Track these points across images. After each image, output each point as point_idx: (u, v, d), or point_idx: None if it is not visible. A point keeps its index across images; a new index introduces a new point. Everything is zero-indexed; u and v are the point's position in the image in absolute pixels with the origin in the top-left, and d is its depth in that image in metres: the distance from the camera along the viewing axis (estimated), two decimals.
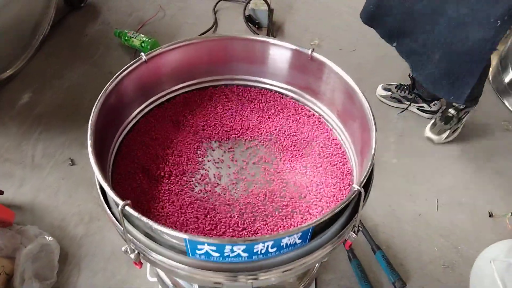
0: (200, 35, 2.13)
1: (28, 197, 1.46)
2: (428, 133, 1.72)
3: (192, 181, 0.83)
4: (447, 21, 1.30)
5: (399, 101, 1.84)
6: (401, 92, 1.82)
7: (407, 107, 1.80)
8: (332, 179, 0.84)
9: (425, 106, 1.81)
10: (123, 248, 0.69)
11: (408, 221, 1.49)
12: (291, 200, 0.81)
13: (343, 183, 0.83)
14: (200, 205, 0.78)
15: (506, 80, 2.01)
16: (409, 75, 1.81)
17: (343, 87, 0.86)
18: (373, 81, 1.96)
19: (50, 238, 1.29)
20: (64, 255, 1.33)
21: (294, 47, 0.90)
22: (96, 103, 0.75)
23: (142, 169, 0.83)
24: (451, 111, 1.68)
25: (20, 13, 1.82)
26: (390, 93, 1.85)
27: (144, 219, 0.60)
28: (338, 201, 0.79)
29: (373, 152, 0.70)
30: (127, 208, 0.61)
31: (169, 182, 0.82)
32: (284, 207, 0.79)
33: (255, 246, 0.62)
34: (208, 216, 0.76)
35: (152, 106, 0.93)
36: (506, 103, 1.94)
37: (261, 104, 0.97)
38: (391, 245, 1.42)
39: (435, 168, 1.65)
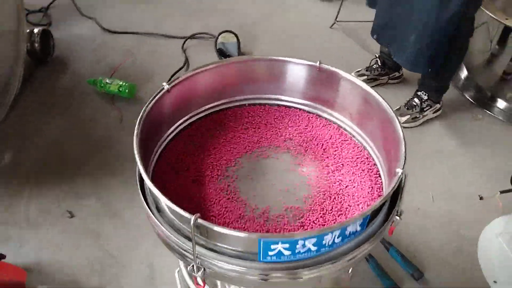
0: (174, 74, 2.18)
1: (31, 257, 1.39)
2: None
3: (231, 188, 0.85)
4: (422, 4, 1.58)
5: (375, 80, 2.12)
6: (374, 71, 2.11)
7: (387, 80, 2.11)
8: (360, 176, 0.89)
9: (396, 74, 2.14)
10: (189, 268, 0.70)
11: (409, 216, 1.56)
12: (328, 199, 0.85)
13: (372, 177, 0.89)
14: (245, 210, 0.80)
15: (463, 76, 2.20)
16: (376, 56, 2.15)
17: (355, 90, 0.93)
18: None
19: None
20: None
21: (302, 61, 0.97)
22: (135, 132, 0.77)
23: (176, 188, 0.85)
24: (416, 100, 1.93)
25: None
26: (366, 77, 2.11)
27: (219, 228, 0.62)
28: (373, 195, 0.85)
29: (402, 137, 0.77)
30: (199, 220, 0.63)
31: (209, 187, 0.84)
32: (326, 205, 0.83)
33: (325, 237, 0.65)
34: (259, 218, 0.79)
35: (181, 127, 0.96)
36: (467, 96, 2.12)
37: (280, 118, 1.02)
38: (399, 240, 1.48)
39: (422, 163, 1.75)
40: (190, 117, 0.98)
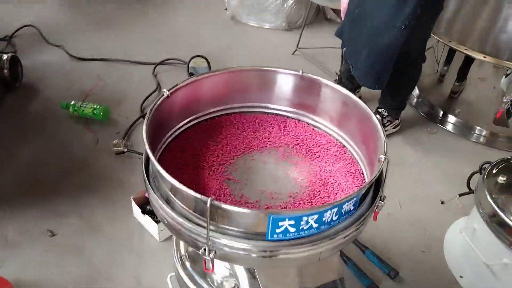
0: (147, 97, 2.23)
1: (13, 277, 1.36)
2: None
3: (228, 184, 0.91)
4: (371, 25, 1.75)
5: None
6: None
7: None
8: (343, 171, 0.99)
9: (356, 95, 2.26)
10: (201, 251, 0.75)
11: (381, 221, 1.66)
12: (317, 190, 0.93)
13: (353, 172, 0.99)
14: (243, 202, 0.87)
15: (416, 95, 2.42)
16: (336, 72, 2.26)
17: (334, 95, 1.04)
18: None
19: None
20: None
21: (286, 71, 1.07)
22: (144, 133, 0.83)
23: None
24: (377, 116, 2.03)
25: None
26: None
27: (233, 207, 0.69)
28: (356, 185, 0.94)
29: (381, 129, 0.88)
30: (215, 202, 0.69)
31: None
32: (316, 195, 0.91)
33: (325, 214, 0.73)
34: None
35: (177, 132, 1.03)
36: (422, 113, 2.33)
37: (268, 125, 1.10)
38: (374, 244, 1.58)
39: (388, 173, 1.88)
40: (186, 123, 1.05)
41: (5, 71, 2.14)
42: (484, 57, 2.00)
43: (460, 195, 1.70)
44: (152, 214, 1.50)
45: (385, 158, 0.82)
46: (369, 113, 0.94)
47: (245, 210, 0.70)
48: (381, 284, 1.44)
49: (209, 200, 0.69)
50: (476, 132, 2.20)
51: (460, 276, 1.50)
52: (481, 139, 2.19)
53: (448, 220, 1.69)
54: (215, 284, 1.03)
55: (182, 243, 1.12)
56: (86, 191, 1.67)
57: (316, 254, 0.78)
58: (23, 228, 1.51)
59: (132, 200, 1.53)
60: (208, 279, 1.04)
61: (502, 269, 1.34)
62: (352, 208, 0.78)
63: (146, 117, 0.87)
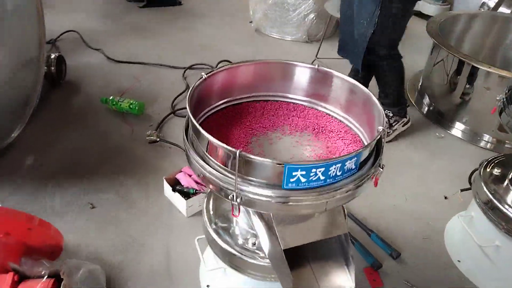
0: (177, 96, 2.46)
1: None
2: None
3: (254, 151, 1.09)
4: (352, 19, 2.08)
5: None
6: None
7: None
8: (348, 145, 1.16)
9: None
10: (230, 197, 0.94)
11: (387, 211, 1.83)
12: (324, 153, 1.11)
13: (358, 146, 1.16)
14: None
15: (425, 102, 2.58)
16: None
17: (343, 84, 1.22)
18: None
19: (95, 265, 1.41)
20: (108, 280, 1.44)
21: (305, 64, 1.26)
22: (187, 102, 1.02)
23: None
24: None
25: (13, 86, 2.00)
26: None
27: (257, 158, 0.87)
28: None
29: (380, 106, 1.05)
30: (243, 153, 0.88)
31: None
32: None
33: (330, 168, 0.91)
34: None
35: (211, 112, 1.22)
36: (431, 120, 2.48)
37: (287, 111, 1.29)
38: (379, 229, 1.73)
39: (396, 171, 2.05)
40: (218, 106, 1.25)
41: (53, 68, 2.40)
42: (489, 67, 2.16)
43: (462, 190, 1.84)
44: (181, 192, 1.69)
45: (382, 128, 0.99)
46: (369, 95, 1.12)
47: (267, 160, 0.88)
48: (384, 263, 1.59)
49: (237, 152, 0.88)
50: (484, 139, 2.34)
51: (458, 261, 1.63)
52: (488, 146, 2.32)
53: (450, 214, 1.82)
54: (240, 242, 1.21)
55: (211, 209, 1.30)
56: (122, 172, 1.88)
57: (322, 203, 0.95)
58: (68, 201, 1.72)
59: (164, 180, 1.72)
60: (234, 238, 1.22)
61: (495, 251, 1.48)
62: (353, 167, 0.95)
63: (189, 92, 1.07)
